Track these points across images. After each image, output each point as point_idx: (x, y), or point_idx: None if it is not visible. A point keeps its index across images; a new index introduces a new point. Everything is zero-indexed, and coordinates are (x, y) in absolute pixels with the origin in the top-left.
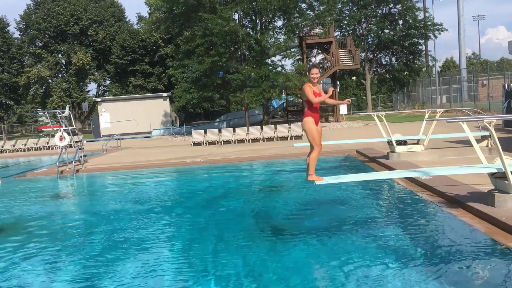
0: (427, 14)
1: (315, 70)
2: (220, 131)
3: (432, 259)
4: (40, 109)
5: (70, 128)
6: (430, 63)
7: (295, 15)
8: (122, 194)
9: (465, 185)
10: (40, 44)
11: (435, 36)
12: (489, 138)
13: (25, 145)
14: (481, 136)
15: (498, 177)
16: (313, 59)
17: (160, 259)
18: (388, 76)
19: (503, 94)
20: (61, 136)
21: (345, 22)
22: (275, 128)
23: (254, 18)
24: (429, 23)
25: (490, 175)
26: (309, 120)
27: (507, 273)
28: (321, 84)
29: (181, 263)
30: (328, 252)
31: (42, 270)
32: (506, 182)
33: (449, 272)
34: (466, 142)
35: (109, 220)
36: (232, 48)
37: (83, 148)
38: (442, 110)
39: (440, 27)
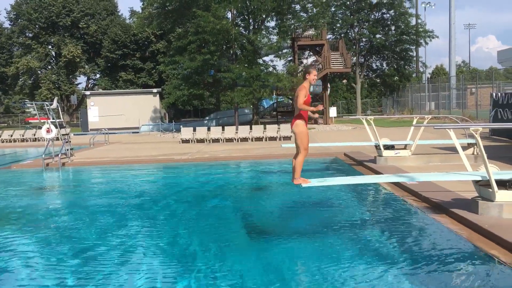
0: (419, 21)
1: (316, 72)
2: (209, 129)
3: (413, 264)
4: (28, 101)
5: (58, 120)
6: (421, 70)
7: (289, 16)
8: (107, 189)
9: (450, 192)
10: (30, 35)
11: (426, 43)
12: (475, 146)
13: (11, 136)
14: (468, 143)
15: (482, 184)
16: (304, 61)
17: (140, 256)
18: (378, 80)
19: (490, 103)
20: (48, 128)
21: (338, 25)
22: (264, 128)
23: (247, 17)
24: (421, 29)
25: (474, 183)
26: (301, 123)
27: (487, 281)
28: (311, 87)
29: (161, 262)
30: (311, 254)
31: (19, 262)
32: (490, 190)
33: (429, 277)
34: (453, 149)
35: (91, 214)
36: (224, 46)
37: (70, 141)
38: (430, 116)
39: (431, 34)
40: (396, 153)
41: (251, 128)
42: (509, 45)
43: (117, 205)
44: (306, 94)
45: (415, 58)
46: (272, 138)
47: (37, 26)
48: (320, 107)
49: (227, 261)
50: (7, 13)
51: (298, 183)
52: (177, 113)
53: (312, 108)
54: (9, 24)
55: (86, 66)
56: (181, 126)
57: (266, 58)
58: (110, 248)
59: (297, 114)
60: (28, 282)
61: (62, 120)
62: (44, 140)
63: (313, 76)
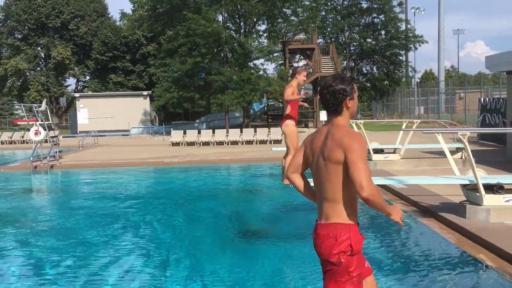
0: (408, 26)
1: (305, 73)
2: (199, 132)
3: (401, 268)
4: (16, 102)
5: (46, 122)
6: (410, 74)
7: (279, 20)
8: (96, 192)
9: (438, 195)
10: (19, 36)
11: (416, 48)
12: (463, 150)
13: None
14: (456, 148)
15: (470, 188)
16: (295, 65)
17: (129, 261)
18: (368, 84)
19: (478, 108)
20: (36, 130)
21: (329, 29)
22: (255, 131)
23: (238, 20)
24: (411, 34)
25: (462, 187)
26: (291, 123)
27: (474, 285)
28: (301, 90)
29: (150, 265)
30: (299, 256)
31: (4, 266)
32: (478, 194)
33: (416, 281)
34: (441, 153)
35: (78, 217)
36: (215, 49)
37: (58, 144)
38: (419, 120)
39: (420, 39)
40: (385, 157)
41: (241, 131)
42: (497, 50)
43: (105, 208)
44: (294, 91)
45: (404, 63)
46: (263, 142)
47: (26, 27)
48: (305, 95)
49: (216, 264)
50: None
51: (288, 183)
52: (168, 116)
53: (299, 96)
54: None
55: (76, 68)
56: (171, 129)
57: (257, 62)
58: (98, 252)
59: (287, 114)
60: (8, 285)
61: (51, 122)
62: (32, 143)
63: (302, 76)
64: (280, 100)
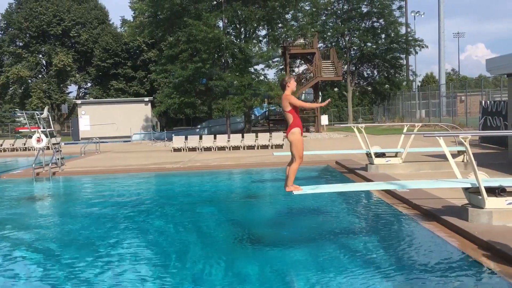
0: (408, 30)
1: (293, 79)
2: (201, 137)
3: (404, 271)
4: (18, 110)
5: (48, 130)
6: (411, 78)
7: (279, 25)
8: (98, 199)
9: (440, 199)
10: (20, 44)
11: (416, 52)
12: (464, 153)
13: (1, 145)
14: (457, 151)
15: (472, 192)
16: (296, 70)
17: (132, 268)
18: (369, 88)
19: (480, 111)
20: (38, 137)
21: (329, 34)
22: (256, 136)
23: (238, 26)
24: (411, 38)
25: (464, 190)
26: (296, 131)
27: (476, 287)
28: (303, 95)
29: (154, 272)
30: (302, 261)
31: (8, 273)
32: (480, 197)
33: (419, 284)
34: (443, 157)
35: (81, 224)
36: (215, 55)
37: (60, 151)
38: (420, 124)
39: (421, 43)
40: (387, 161)
41: (243, 137)
42: (497, 53)
43: (107, 214)
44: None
45: (405, 66)
46: (264, 146)
47: (27, 35)
48: (325, 103)
49: (218, 270)
50: None
51: (290, 190)
52: (169, 122)
53: (316, 105)
54: None
55: (77, 75)
56: (173, 135)
57: (257, 67)
58: (99, 257)
59: (292, 122)
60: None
61: (52, 129)
62: (34, 150)
63: (293, 83)
64: (281, 105)
